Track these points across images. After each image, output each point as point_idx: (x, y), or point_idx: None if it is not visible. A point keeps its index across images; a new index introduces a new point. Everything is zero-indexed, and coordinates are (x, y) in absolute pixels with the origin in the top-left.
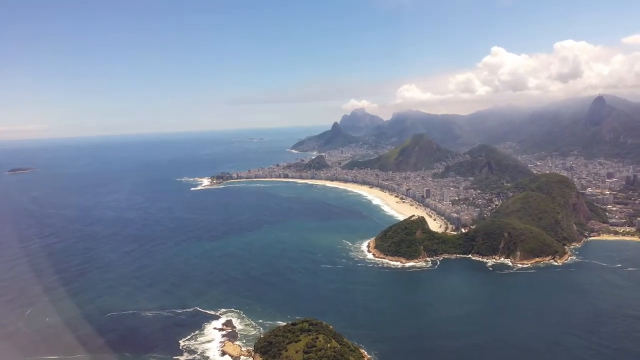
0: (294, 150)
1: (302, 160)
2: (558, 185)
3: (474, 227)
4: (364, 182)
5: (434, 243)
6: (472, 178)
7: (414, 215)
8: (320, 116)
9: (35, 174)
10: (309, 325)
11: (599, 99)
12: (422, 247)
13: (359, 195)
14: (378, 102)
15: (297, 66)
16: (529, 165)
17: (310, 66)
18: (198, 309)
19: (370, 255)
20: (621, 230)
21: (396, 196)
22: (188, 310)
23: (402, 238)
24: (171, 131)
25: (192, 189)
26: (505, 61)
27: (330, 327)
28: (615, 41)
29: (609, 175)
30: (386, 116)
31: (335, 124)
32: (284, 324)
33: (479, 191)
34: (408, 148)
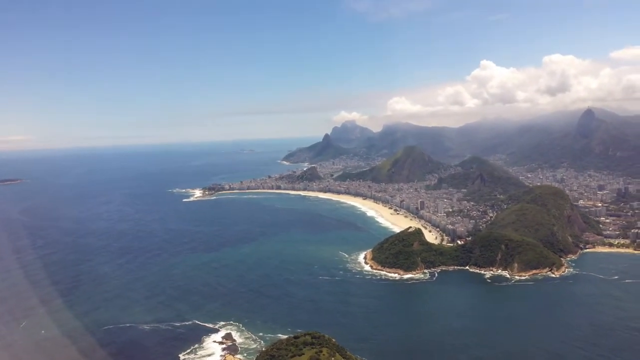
0: (285, 162)
1: (294, 172)
2: (552, 197)
3: (469, 238)
4: (357, 194)
5: (431, 255)
6: (464, 190)
7: (410, 227)
8: (311, 127)
9: (24, 184)
10: (312, 338)
11: (588, 112)
12: (419, 258)
13: (353, 207)
14: (368, 114)
15: (288, 78)
16: (520, 177)
17: (301, 78)
18: (196, 321)
19: (367, 267)
20: (616, 242)
21: (390, 208)
22: (186, 323)
23: (399, 250)
24: (160, 142)
25: (184, 200)
26: (494, 74)
27: (333, 340)
28: (603, 55)
29: (600, 188)
30: (376, 128)
31: (326, 136)
32: (286, 337)
33: (472, 203)
34: (400, 160)
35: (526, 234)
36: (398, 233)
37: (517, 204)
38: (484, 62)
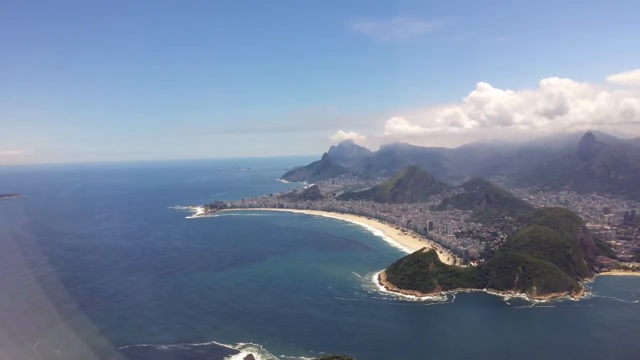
0: (283, 180)
1: (295, 190)
2: (565, 220)
3: (482, 260)
4: (361, 213)
5: (447, 276)
6: (471, 211)
7: (425, 248)
8: (308, 146)
9: (22, 200)
10: None
11: (588, 135)
12: (435, 280)
13: (359, 227)
14: (366, 134)
15: (286, 97)
16: (523, 199)
17: (299, 97)
18: (215, 342)
19: (382, 288)
20: (630, 266)
21: (397, 228)
22: (205, 343)
23: (415, 271)
24: (156, 159)
25: (187, 217)
26: (491, 96)
27: None
28: (600, 79)
29: (606, 211)
30: (374, 147)
31: (325, 155)
32: (310, 359)
33: (480, 224)
34: (403, 180)
35: (541, 256)
36: (412, 254)
37: (527, 225)
38: (480, 84)
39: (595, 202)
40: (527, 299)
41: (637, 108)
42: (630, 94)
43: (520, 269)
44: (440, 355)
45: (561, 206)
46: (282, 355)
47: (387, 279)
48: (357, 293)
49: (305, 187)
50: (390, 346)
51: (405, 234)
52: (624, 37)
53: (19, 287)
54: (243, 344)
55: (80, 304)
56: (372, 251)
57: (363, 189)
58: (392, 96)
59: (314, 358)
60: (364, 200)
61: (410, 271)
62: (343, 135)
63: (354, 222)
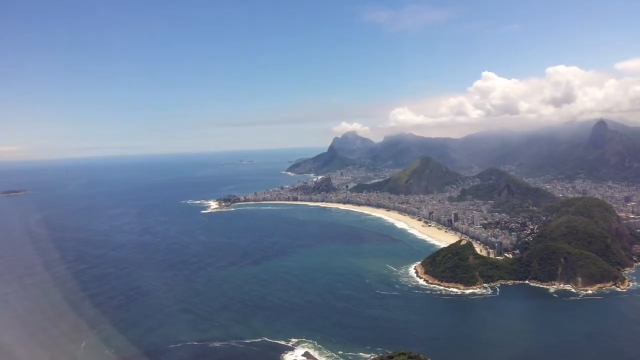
0: (290, 173)
1: (305, 183)
2: (598, 209)
3: (516, 251)
4: (378, 205)
5: (487, 268)
6: (491, 201)
7: (461, 240)
8: (311, 138)
9: (29, 196)
10: (408, 358)
11: (601, 123)
12: (477, 272)
13: (380, 219)
14: (369, 125)
15: (288, 89)
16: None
17: (301, 88)
18: (266, 339)
19: (422, 281)
20: None
21: (419, 220)
22: (256, 340)
23: (455, 263)
24: (155, 153)
25: (203, 211)
26: (496, 85)
27: None
28: (607, 66)
29: (627, 199)
30: (377, 139)
31: (331, 147)
32: (369, 356)
33: (504, 215)
34: (417, 171)
35: (580, 247)
36: (449, 246)
37: (558, 216)
38: (485, 73)
39: (613, 191)
40: (573, 290)
41: None
42: (639, 81)
43: (562, 259)
44: (501, 350)
45: (582, 195)
46: (340, 352)
47: (426, 272)
48: (397, 286)
49: (316, 180)
50: (447, 341)
51: (429, 225)
52: (631, 25)
53: (53, 285)
54: (296, 340)
55: (120, 301)
56: (400, 243)
57: (373, 181)
58: (396, 87)
59: (374, 355)
60: (377, 192)
61: (451, 264)
62: (346, 126)
63: (373, 214)
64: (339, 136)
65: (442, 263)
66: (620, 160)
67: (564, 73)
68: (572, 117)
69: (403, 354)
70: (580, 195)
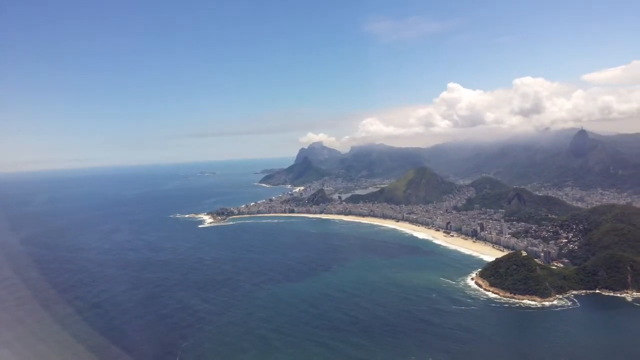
0: (264, 185)
1: (292, 194)
2: (637, 217)
3: (566, 260)
4: (383, 216)
5: (556, 279)
6: (502, 210)
7: (520, 251)
8: (274, 149)
9: None
10: None
11: (582, 132)
12: (547, 283)
13: (394, 230)
14: (335, 136)
15: (251, 98)
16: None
17: (265, 98)
18: None
19: (491, 294)
20: None
21: (436, 230)
22: None
23: (525, 275)
24: (109, 165)
25: (200, 226)
26: (462, 96)
27: None
28: (573, 78)
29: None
30: (344, 149)
31: (305, 158)
32: None
33: (522, 223)
34: (414, 181)
35: (637, 255)
36: (508, 257)
37: (596, 225)
38: (450, 85)
39: (607, 199)
40: None
41: (615, 105)
42: (606, 92)
43: (629, 267)
44: None
45: (578, 203)
46: None
47: (492, 285)
48: (469, 301)
49: (298, 190)
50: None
51: (452, 236)
52: (598, 37)
53: (81, 315)
54: None
55: (177, 328)
56: (434, 255)
57: (356, 191)
58: (361, 96)
59: None
60: (373, 202)
61: (520, 276)
62: (313, 137)
63: (384, 225)
64: (306, 146)
65: (508, 275)
66: (604, 168)
67: (531, 84)
68: (542, 126)
69: None
70: (597, 204)
